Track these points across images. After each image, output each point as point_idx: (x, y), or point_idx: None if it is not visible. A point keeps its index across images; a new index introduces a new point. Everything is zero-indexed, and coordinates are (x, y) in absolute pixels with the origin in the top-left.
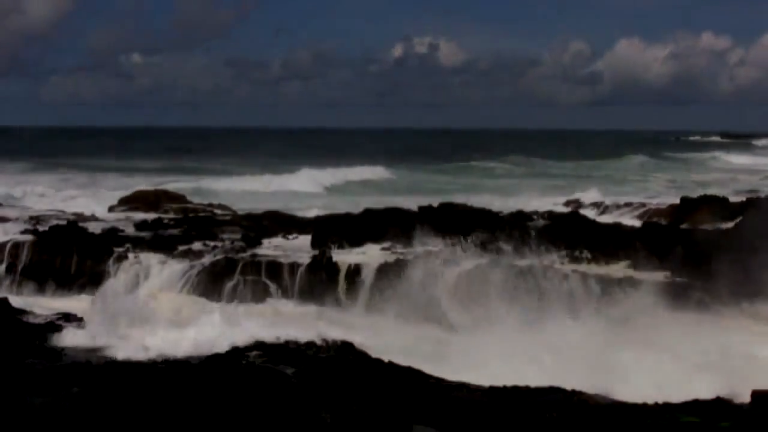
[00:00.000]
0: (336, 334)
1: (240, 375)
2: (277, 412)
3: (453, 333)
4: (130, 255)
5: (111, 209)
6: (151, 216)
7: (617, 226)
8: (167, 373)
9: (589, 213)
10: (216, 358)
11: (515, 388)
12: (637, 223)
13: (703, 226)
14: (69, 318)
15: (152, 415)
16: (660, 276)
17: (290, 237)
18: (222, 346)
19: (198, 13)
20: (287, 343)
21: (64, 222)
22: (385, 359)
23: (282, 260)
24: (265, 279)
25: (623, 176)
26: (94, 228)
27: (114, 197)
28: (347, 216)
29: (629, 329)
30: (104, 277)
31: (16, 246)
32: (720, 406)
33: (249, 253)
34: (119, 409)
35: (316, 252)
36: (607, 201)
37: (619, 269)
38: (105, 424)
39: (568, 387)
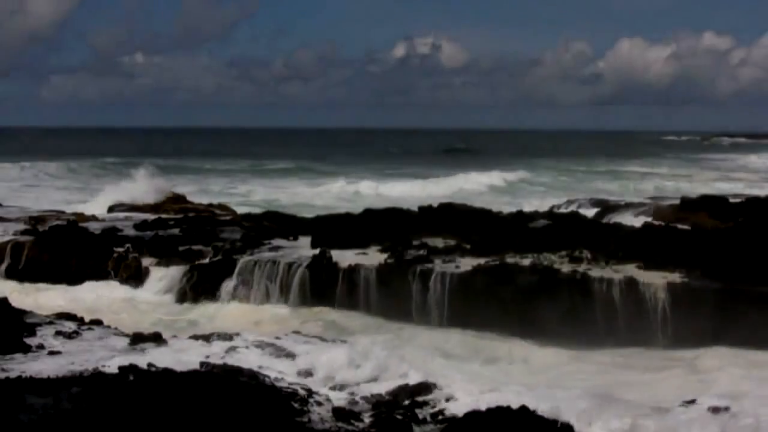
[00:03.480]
0: None
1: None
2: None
3: None
4: (131, 255)
5: (111, 209)
6: (151, 216)
7: (617, 227)
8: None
9: (589, 213)
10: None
11: (512, 387)
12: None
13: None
14: (69, 318)
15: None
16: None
17: (290, 237)
18: None
19: (200, 14)
20: None
21: (64, 222)
22: None
23: (282, 260)
24: (265, 279)
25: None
26: (95, 228)
27: None
28: (347, 216)
29: None
30: (105, 277)
31: (17, 246)
32: None
33: (249, 253)
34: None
35: (317, 252)
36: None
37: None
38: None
39: None
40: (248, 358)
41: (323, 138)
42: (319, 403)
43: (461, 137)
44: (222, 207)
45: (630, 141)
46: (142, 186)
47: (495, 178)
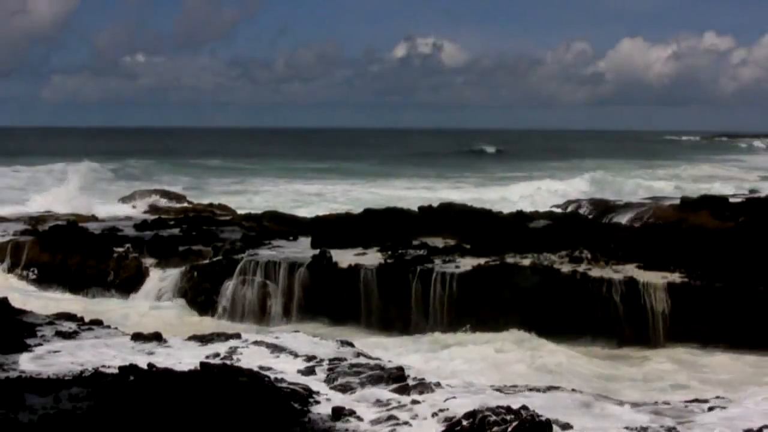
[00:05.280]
0: None
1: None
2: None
3: None
4: (131, 256)
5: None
6: (151, 216)
7: (617, 227)
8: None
9: (589, 213)
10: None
11: (513, 387)
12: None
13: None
14: (69, 318)
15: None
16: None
17: (291, 237)
18: None
19: (202, 14)
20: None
21: (63, 222)
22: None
23: (282, 260)
24: (265, 279)
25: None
26: (94, 228)
27: None
28: (347, 216)
29: None
30: (105, 277)
31: (17, 246)
32: None
33: (249, 253)
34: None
35: (317, 252)
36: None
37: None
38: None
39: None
40: (248, 358)
41: (328, 138)
42: (319, 403)
43: (475, 138)
44: (222, 207)
45: (642, 141)
46: (72, 191)
47: (582, 183)
